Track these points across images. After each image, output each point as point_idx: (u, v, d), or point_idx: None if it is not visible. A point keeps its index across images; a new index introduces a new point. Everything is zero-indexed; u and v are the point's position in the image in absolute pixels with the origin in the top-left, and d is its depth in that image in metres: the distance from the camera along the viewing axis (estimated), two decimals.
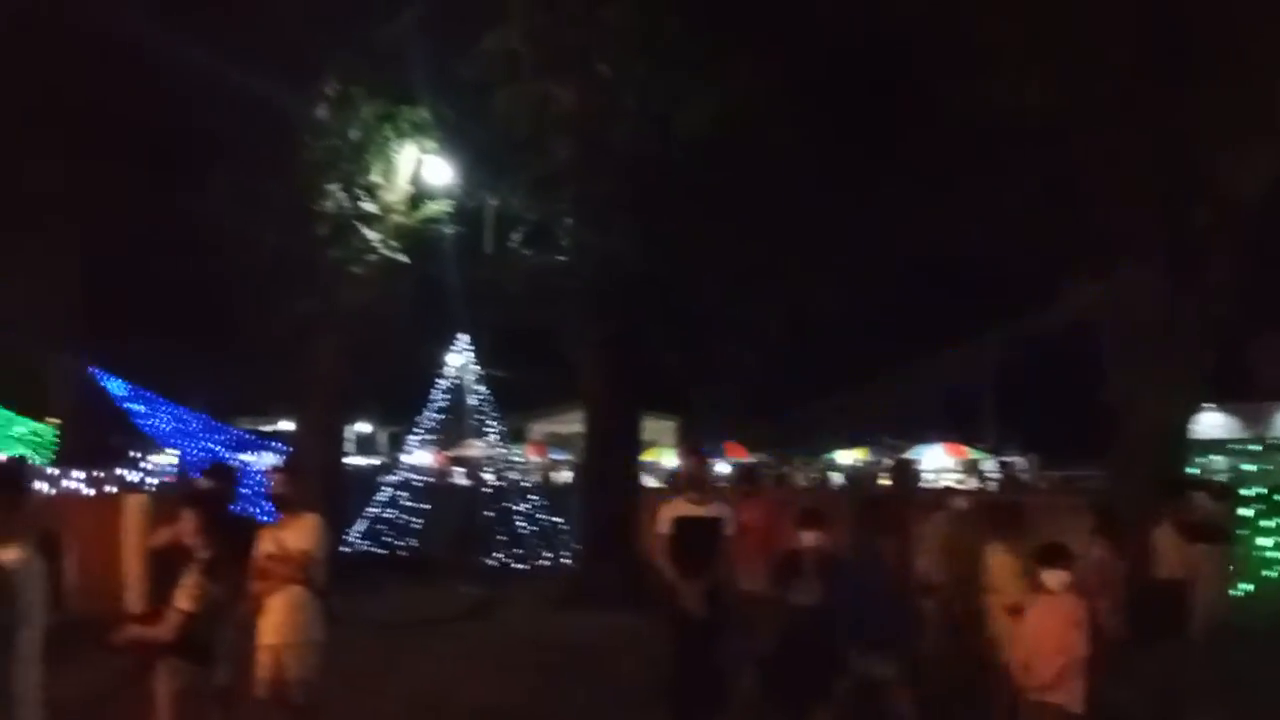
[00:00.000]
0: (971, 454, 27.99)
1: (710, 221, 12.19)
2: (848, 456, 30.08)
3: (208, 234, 13.14)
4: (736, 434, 26.92)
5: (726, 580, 6.75)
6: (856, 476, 25.77)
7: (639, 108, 12.08)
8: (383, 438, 36.13)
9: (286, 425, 21.41)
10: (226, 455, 16.94)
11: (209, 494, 6.15)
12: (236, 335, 14.79)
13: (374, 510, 16.66)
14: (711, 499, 6.99)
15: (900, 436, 28.23)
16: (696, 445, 11.95)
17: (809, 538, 6.40)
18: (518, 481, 17.75)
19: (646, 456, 19.98)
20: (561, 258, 13.03)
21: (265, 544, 5.85)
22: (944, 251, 13.99)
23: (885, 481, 20.91)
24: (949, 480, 22.28)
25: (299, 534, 5.86)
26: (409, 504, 17.17)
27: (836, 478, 26.75)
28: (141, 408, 18.15)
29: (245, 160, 12.91)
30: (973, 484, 23.10)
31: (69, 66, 13.01)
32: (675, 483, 10.13)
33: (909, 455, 22.20)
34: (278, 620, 5.75)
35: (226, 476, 6.86)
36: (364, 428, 34.95)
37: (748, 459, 22.92)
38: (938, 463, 25.87)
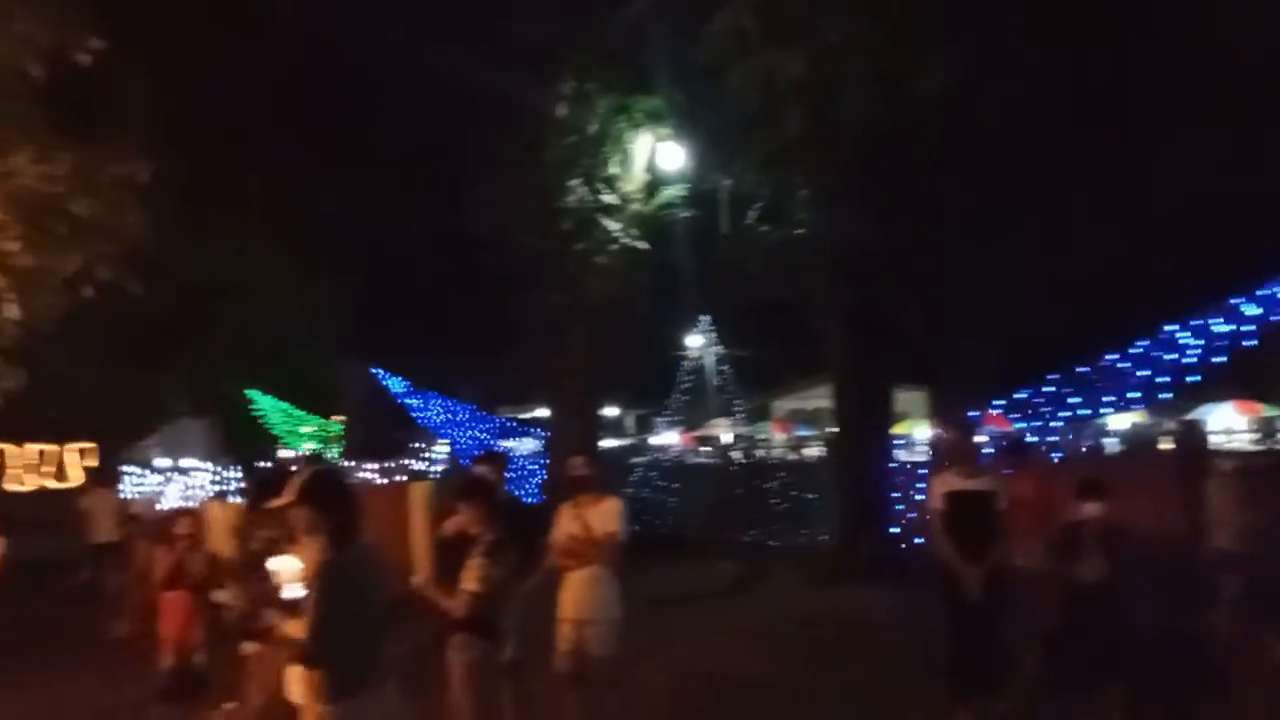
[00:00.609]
0: (1268, 411, 25.08)
1: (948, 184, 11.61)
2: (1122, 420, 27.77)
3: (468, 240, 14.09)
4: (995, 402, 25.42)
5: (1005, 559, 6.41)
6: (1135, 441, 23.76)
7: (868, 73, 11.67)
8: (630, 420, 37.19)
9: (543, 412, 22.54)
10: (493, 442, 18.11)
11: (483, 481, 6.52)
12: (496, 330, 15.73)
13: (628, 490, 17.23)
14: (982, 472, 6.66)
15: (1184, 395, 25.63)
16: (959, 416, 11.39)
17: (1090, 509, 5.99)
18: (765, 458, 17.78)
19: (898, 429, 19.37)
20: (799, 231, 12.87)
21: (568, 524, 6.02)
22: (1215, 190, 12.61)
23: (1167, 446, 19.16)
24: (1241, 442, 20.09)
25: (604, 516, 5.99)
26: (660, 483, 17.61)
27: (1108, 444, 24.78)
28: (417, 402, 19.74)
29: (497, 168, 13.71)
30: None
31: (346, 101, 14.23)
32: (937, 455, 9.68)
33: (1194, 416, 20.23)
34: (579, 596, 5.92)
35: (497, 462, 7.29)
36: (611, 411, 36.15)
37: (1011, 428, 21.71)
38: (1227, 422, 23.40)
